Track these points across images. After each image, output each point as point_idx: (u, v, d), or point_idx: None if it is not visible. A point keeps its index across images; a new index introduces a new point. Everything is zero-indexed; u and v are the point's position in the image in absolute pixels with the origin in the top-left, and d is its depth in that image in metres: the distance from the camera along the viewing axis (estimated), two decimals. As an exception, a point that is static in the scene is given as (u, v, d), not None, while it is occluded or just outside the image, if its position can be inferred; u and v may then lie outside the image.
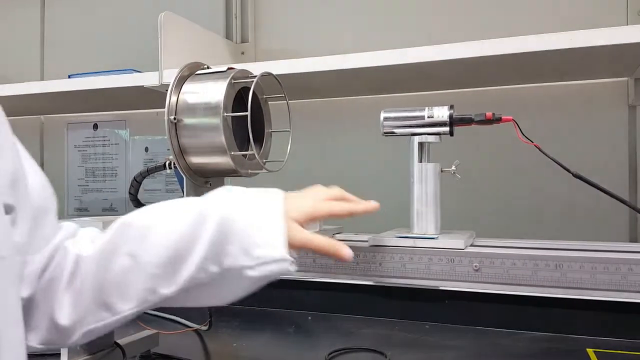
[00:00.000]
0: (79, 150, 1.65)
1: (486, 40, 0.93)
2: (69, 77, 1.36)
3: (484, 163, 1.21)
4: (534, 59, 0.94)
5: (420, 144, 0.80)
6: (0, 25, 1.79)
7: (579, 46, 0.87)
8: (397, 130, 0.82)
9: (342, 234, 0.99)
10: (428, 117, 0.79)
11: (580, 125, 1.16)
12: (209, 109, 0.80)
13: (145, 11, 1.55)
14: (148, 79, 1.16)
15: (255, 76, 0.82)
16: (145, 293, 0.55)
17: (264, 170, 0.85)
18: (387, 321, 0.97)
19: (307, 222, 0.59)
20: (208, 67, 0.89)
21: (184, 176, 0.85)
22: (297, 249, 0.57)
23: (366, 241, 0.85)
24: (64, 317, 0.56)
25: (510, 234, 1.16)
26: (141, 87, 1.18)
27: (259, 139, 0.89)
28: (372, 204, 0.66)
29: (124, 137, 1.58)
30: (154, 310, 0.87)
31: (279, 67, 1.00)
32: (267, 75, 0.84)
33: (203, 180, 0.89)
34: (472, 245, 0.80)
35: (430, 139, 0.80)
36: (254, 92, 0.79)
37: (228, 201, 0.57)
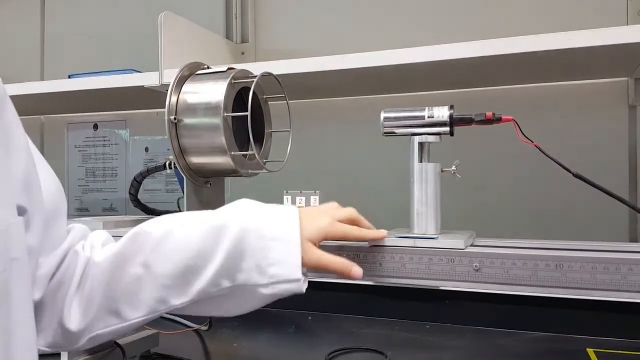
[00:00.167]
0: (79, 151, 1.65)
1: (486, 40, 0.93)
2: (69, 77, 1.36)
3: (484, 163, 1.21)
4: (534, 59, 0.94)
5: (421, 144, 0.80)
6: (0, 25, 1.79)
7: (578, 46, 0.87)
8: (397, 130, 0.82)
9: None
10: (428, 117, 0.79)
11: (580, 126, 1.16)
12: (209, 109, 0.80)
13: (145, 11, 1.55)
14: (148, 79, 1.16)
15: (256, 76, 0.82)
16: (155, 303, 0.55)
17: (264, 170, 0.85)
18: (387, 321, 0.97)
19: (320, 241, 0.61)
20: (208, 67, 0.89)
21: (184, 176, 0.85)
22: (310, 268, 0.58)
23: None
24: (73, 322, 0.56)
25: (510, 234, 1.16)
26: (141, 87, 1.18)
27: (259, 139, 0.89)
28: (381, 233, 0.71)
29: (124, 137, 1.58)
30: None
31: (279, 67, 1.00)
32: (267, 75, 0.84)
33: (203, 180, 0.89)
34: (472, 245, 0.80)
35: (431, 139, 0.80)
36: (254, 92, 0.79)
37: (244, 217, 0.57)
